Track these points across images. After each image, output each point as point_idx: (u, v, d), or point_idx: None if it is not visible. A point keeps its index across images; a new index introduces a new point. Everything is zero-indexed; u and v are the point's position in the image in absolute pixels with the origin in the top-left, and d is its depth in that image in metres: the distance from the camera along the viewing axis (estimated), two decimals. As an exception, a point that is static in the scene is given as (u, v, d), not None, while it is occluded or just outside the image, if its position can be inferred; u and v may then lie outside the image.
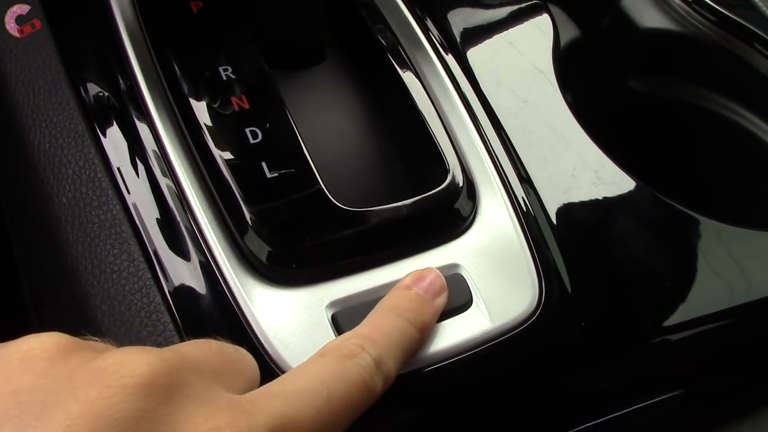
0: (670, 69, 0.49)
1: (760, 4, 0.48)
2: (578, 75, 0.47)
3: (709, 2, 0.47)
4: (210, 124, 0.32)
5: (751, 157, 0.47)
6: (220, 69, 0.35)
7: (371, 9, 0.41)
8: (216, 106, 0.34)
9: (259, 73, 0.36)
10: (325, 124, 0.38)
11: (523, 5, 0.46)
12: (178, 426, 0.20)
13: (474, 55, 0.42)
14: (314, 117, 0.38)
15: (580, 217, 0.36)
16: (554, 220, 0.35)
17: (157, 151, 0.32)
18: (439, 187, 0.34)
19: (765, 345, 0.41)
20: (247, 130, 0.33)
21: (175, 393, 0.20)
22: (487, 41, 0.43)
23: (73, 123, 0.33)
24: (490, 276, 0.32)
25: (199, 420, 0.20)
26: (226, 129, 0.33)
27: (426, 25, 0.42)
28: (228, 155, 0.31)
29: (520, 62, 0.43)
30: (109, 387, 0.19)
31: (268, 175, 0.31)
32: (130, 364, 0.20)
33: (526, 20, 0.46)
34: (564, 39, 0.47)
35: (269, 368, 0.28)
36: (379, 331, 0.27)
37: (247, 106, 0.34)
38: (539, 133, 0.39)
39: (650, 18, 0.49)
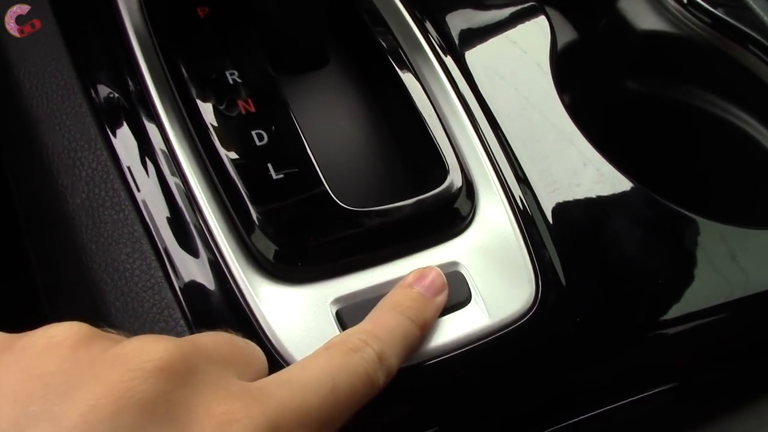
0: (666, 70, 0.50)
1: (755, 6, 0.49)
2: (575, 76, 0.48)
3: (704, 4, 0.48)
4: (217, 126, 0.34)
5: (745, 156, 0.48)
6: (227, 73, 0.36)
7: (373, 13, 0.42)
8: (223, 109, 0.35)
9: (265, 76, 0.37)
10: (328, 126, 0.39)
11: (521, 8, 0.47)
12: (193, 409, 0.21)
13: (473, 57, 0.43)
14: (318, 119, 0.39)
15: (576, 217, 0.37)
16: (550, 220, 0.36)
17: (167, 153, 0.33)
18: (439, 188, 0.35)
19: (757, 339, 0.42)
20: (254, 133, 0.34)
21: (191, 378, 0.22)
22: (486, 43, 0.44)
23: (85, 127, 0.34)
24: (489, 273, 0.34)
25: (213, 404, 0.21)
26: (233, 131, 0.34)
27: (426, 28, 0.43)
28: (235, 157, 0.33)
29: (518, 64, 0.44)
30: (129, 370, 0.20)
31: (274, 177, 0.32)
32: (149, 350, 0.21)
33: (524, 22, 0.47)
34: (561, 41, 0.48)
35: (276, 362, 0.29)
36: (382, 328, 0.28)
37: (253, 109, 0.35)
38: (536, 134, 0.40)
39: (646, 20, 0.50)
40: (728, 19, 0.48)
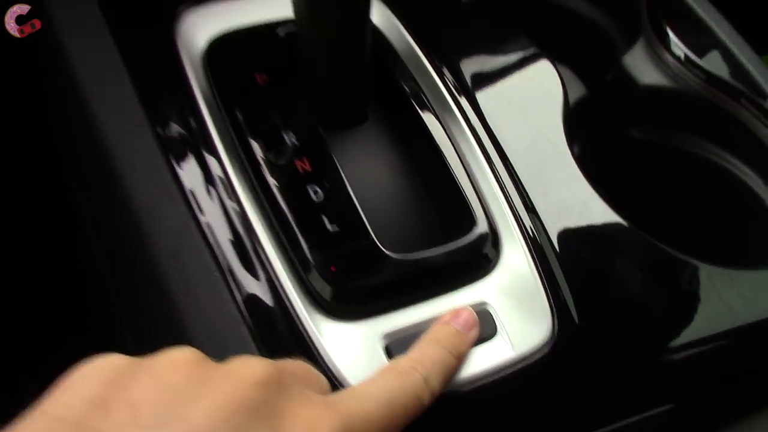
0: (667, 120, 0.56)
1: (747, 64, 0.54)
2: (583, 125, 0.54)
3: (700, 62, 0.54)
4: (279, 185, 0.39)
5: (738, 201, 0.53)
6: (284, 133, 0.42)
7: (409, 78, 0.48)
8: (283, 167, 0.40)
9: (317, 136, 0.42)
10: (370, 177, 0.45)
11: (533, 64, 0.53)
12: (285, 413, 0.27)
13: (492, 110, 0.48)
14: (361, 170, 0.44)
15: (586, 260, 0.43)
16: (564, 264, 0.42)
17: (239, 211, 0.39)
18: (469, 237, 0.41)
19: (748, 364, 0.47)
20: (310, 189, 0.40)
21: (282, 389, 0.27)
22: (503, 97, 0.50)
23: (170, 186, 0.40)
24: (512, 311, 0.39)
25: (301, 410, 0.27)
26: (293, 188, 0.39)
27: (447, 82, 0.49)
28: (296, 212, 0.38)
29: (534, 119, 0.49)
30: (238, 382, 0.26)
31: (330, 229, 0.38)
32: (251, 367, 0.27)
33: (536, 78, 0.52)
34: (569, 92, 0.54)
35: (335, 386, 0.35)
36: (426, 357, 0.34)
37: (309, 167, 0.40)
38: (549, 183, 0.45)
39: (648, 75, 0.55)
40: (722, 76, 0.53)
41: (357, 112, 0.47)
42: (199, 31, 0.46)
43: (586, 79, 0.57)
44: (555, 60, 0.53)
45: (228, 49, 0.45)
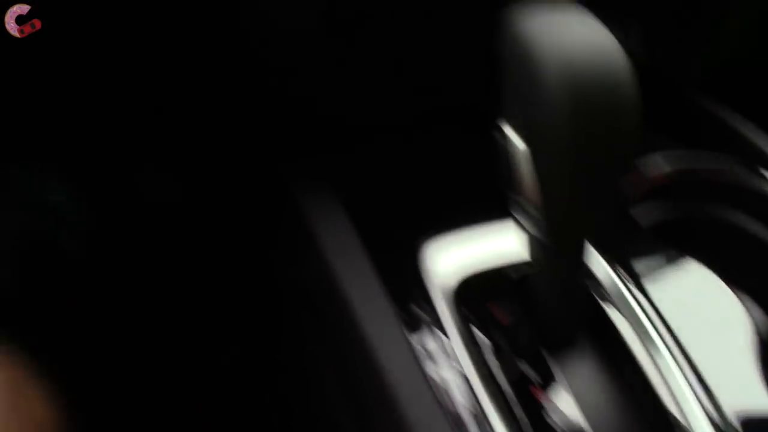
0: None
1: None
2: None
3: None
4: (527, 416, 0.48)
5: None
6: (517, 361, 0.51)
7: (606, 300, 0.56)
8: (523, 397, 0.49)
9: (544, 364, 0.51)
10: (590, 399, 0.52)
11: (719, 293, 0.59)
12: None
13: (689, 339, 0.55)
14: (582, 394, 0.52)
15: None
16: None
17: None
18: None
19: None
20: (551, 422, 0.48)
21: None
22: (697, 327, 0.56)
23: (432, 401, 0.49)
24: None
25: None
26: (537, 420, 0.48)
27: (641, 304, 0.56)
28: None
29: (725, 346, 0.56)
30: None
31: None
32: None
33: (721, 305, 0.59)
34: (753, 321, 0.60)
35: None
36: None
37: (547, 400, 0.49)
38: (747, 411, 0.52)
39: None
40: None
41: (573, 335, 0.56)
42: (446, 269, 0.57)
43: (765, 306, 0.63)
44: (735, 285, 0.60)
45: (471, 287, 0.56)
